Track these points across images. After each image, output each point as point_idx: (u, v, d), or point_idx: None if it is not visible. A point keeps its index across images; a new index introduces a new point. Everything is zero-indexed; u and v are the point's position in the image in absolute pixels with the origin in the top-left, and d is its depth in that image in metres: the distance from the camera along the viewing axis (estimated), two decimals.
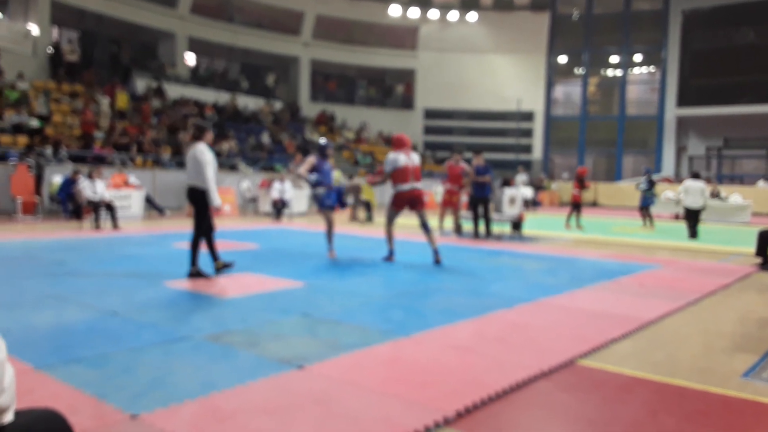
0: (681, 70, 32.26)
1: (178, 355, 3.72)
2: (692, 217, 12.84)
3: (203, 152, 6.49)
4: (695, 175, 13.36)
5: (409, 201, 8.09)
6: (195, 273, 6.49)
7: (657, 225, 15.65)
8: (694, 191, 12.74)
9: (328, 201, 8.44)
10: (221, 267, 6.79)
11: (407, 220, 16.50)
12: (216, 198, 6.51)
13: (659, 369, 3.72)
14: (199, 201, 6.52)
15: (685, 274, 7.66)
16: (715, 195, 20.95)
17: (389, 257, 8.31)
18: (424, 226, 8.15)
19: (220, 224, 13.75)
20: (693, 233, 12.80)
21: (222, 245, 9.41)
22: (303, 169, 8.36)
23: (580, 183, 14.39)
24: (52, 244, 9.18)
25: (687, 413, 3.04)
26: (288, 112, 29.74)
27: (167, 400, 2.94)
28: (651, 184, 15.75)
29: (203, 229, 6.62)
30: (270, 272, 6.97)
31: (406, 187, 8.01)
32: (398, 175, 7.99)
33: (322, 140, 8.75)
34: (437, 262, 7.98)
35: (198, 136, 6.67)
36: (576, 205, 14.27)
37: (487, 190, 11.65)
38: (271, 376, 3.33)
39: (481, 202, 11.66)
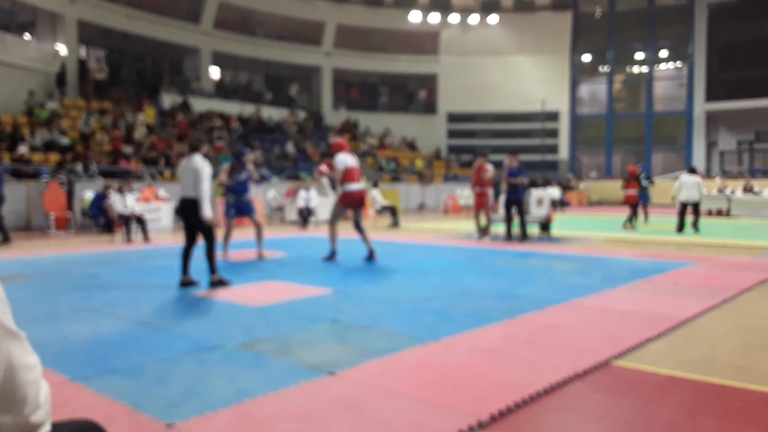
0: (708, 64, 31.68)
1: (211, 363, 3.75)
2: (685, 212, 12.98)
3: (202, 165, 6.48)
4: (691, 170, 13.45)
5: (358, 200, 8.63)
6: (218, 281, 6.57)
7: (690, 222, 15.34)
8: (689, 185, 12.86)
9: (230, 211, 8.97)
10: (188, 282, 6.65)
11: (436, 224, 16.46)
12: (207, 211, 6.48)
13: (696, 368, 3.63)
14: (196, 212, 6.48)
15: (720, 271, 7.49)
16: (748, 189, 20.50)
17: (331, 257, 8.61)
18: (358, 225, 8.70)
19: (248, 234, 13.87)
20: (681, 227, 12.93)
21: (250, 254, 9.50)
22: (222, 176, 8.96)
23: (638, 181, 14.05)
24: (85, 258, 9.36)
25: (727, 412, 2.97)
26: (311, 121, 29.98)
27: (202, 409, 2.96)
28: (649, 181, 15.66)
29: (213, 236, 6.62)
30: (298, 280, 7.00)
31: (355, 187, 8.57)
32: (348, 175, 8.54)
33: (244, 150, 9.34)
34: (371, 258, 8.53)
35: (196, 148, 6.67)
36: (634, 205, 13.96)
37: (521, 192, 11.51)
38: (302, 383, 3.34)
39: (515, 203, 11.54)
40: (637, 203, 14.07)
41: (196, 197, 6.44)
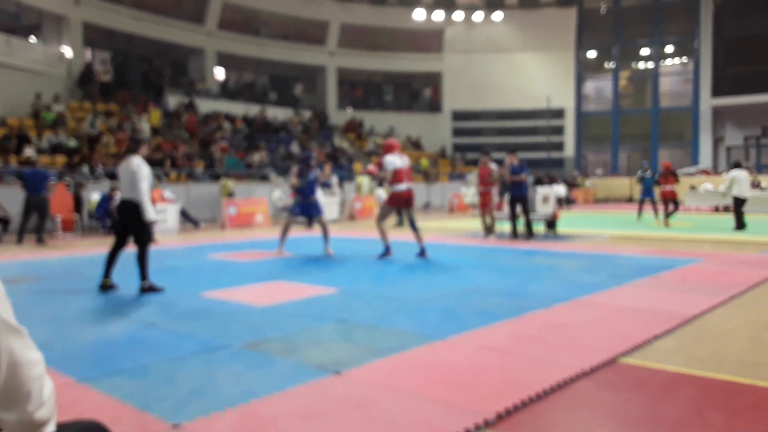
0: (715, 59, 31.50)
1: (217, 364, 3.75)
2: (741, 207, 12.67)
3: (140, 166, 6.39)
4: (739, 165, 13.12)
5: (405, 200, 8.88)
6: (148, 287, 6.37)
7: (697, 219, 15.28)
8: (742, 180, 12.58)
9: (295, 209, 9.60)
10: (108, 286, 6.55)
11: (442, 223, 16.45)
12: (150, 212, 6.36)
13: (705, 364, 3.61)
14: (133, 215, 6.37)
15: (728, 267, 7.45)
16: (756, 185, 20.38)
17: (387, 253, 8.84)
18: (413, 224, 8.95)
19: (254, 234, 13.90)
20: (741, 224, 12.54)
21: (256, 254, 9.52)
22: (292, 180, 9.46)
23: (675, 177, 13.76)
24: (92, 260, 9.38)
25: (736, 409, 2.94)
26: (316, 120, 29.96)
27: (208, 409, 2.96)
28: (654, 178, 15.52)
29: (145, 242, 6.50)
30: (304, 279, 7.00)
31: (401, 187, 8.78)
32: (396, 176, 8.76)
33: (311, 154, 9.90)
34: (422, 255, 8.75)
35: (134, 149, 6.58)
36: (675, 202, 13.63)
37: (524, 189, 11.51)
38: (309, 382, 3.33)
39: (519, 201, 11.54)
40: (675, 199, 13.76)
41: (134, 199, 6.32)
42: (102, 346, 4.25)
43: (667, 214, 13.79)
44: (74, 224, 14.37)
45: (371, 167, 9.93)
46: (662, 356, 3.79)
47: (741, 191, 12.53)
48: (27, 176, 12.51)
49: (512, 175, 11.45)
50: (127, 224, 6.47)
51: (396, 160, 8.79)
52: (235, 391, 3.21)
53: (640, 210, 15.72)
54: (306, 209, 9.48)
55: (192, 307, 5.52)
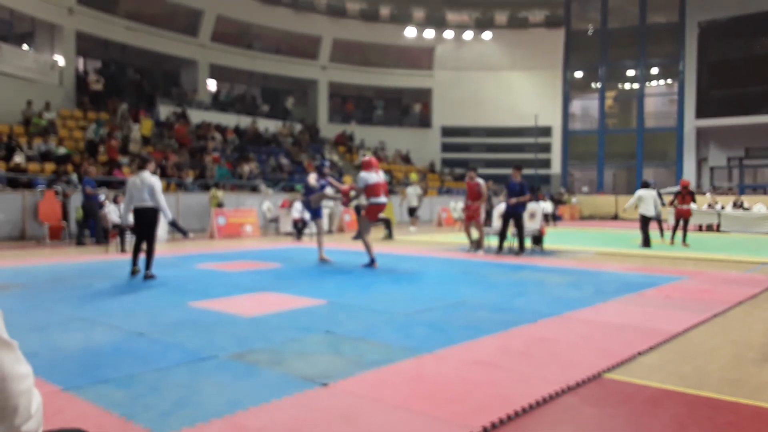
0: (699, 81, 32.01)
1: (204, 374, 3.74)
2: (646, 225, 13.25)
3: (156, 179, 7.94)
4: (647, 185, 13.75)
5: (379, 212, 9.58)
6: (150, 276, 7.88)
7: (679, 237, 15.36)
8: (648, 199, 13.18)
9: (312, 214, 10.54)
10: (137, 271, 8.20)
11: (430, 236, 16.49)
12: (169, 214, 8.16)
13: (688, 381, 3.66)
14: (153, 218, 7.99)
15: (711, 285, 7.54)
16: (738, 205, 20.65)
17: (372, 263, 9.30)
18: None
19: (242, 245, 13.86)
20: (646, 241, 13.08)
21: (244, 265, 9.51)
22: (311, 181, 10.23)
23: (693, 196, 13.80)
24: (79, 268, 9.32)
25: (718, 426, 2.99)
26: (307, 133, 30.04)
27: (194, 419, 2.95)
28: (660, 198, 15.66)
29: (155, 240, 8.14)
30: (292, 291, 7.00)
31: (380, 200, 9.45)
32: (371, 190, 9.37)
33: (324, 162, 10.63)
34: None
35: (143, 166, 8.07)
36: (686, 220, 13.66)
37: (521, 206, 11.50)
38: (295, 394, 3.33)
39: (513, 216, 11.52)
40: (689, 218, 13.76)
41: (155, 206, 7.91)
42: (88, 354, 4.23)
43: (684, 234, 13.75)
44: (62, 232, 14.27)
45: (345, 187, 10.58)
46: (646, 372, 3.84)
47: (646, 209, 13.10)
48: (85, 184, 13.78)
49: (511, 196, 11.35)
50: (145, 227, 8.02)
51: (371, 176, 9.41)
52: (221, 402, 3.21)
53: (658, 230, 15.75)
54: (316, 212, 10.42)
55: (179, 317, 5.50)
